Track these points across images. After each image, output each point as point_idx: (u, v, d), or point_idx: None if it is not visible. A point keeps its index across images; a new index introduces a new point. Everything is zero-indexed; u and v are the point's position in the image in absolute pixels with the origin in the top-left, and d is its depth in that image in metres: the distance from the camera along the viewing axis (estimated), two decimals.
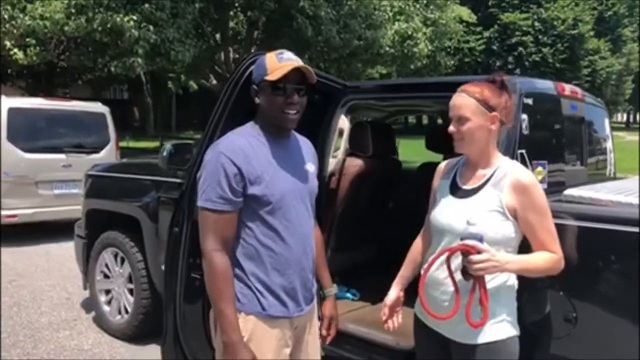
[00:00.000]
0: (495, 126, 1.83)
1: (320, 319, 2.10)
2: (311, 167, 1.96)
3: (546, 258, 1.77)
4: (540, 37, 28.42)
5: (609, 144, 3.37)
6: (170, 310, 2.50)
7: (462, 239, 1.68)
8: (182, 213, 2.41)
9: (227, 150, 1.76)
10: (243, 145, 1.78)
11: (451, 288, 1.78)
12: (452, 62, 21.91)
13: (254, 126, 1.86)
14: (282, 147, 1.87)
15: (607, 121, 3.42)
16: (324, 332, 2.09)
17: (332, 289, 2.14)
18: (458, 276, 1.74)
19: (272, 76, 1.76)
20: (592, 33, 30.10)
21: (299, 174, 1.88)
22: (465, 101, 1.80)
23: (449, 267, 1.75)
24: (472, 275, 1.68)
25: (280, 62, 1.78)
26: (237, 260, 1.82)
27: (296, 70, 1.77)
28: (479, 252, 1.65)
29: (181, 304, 2.48)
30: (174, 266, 2.44)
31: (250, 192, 1.76)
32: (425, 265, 1.86)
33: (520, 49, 28.44)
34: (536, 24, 28.61)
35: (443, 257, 1.77)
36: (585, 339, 2.02)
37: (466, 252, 1.66)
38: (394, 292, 2.06)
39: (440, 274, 1.83)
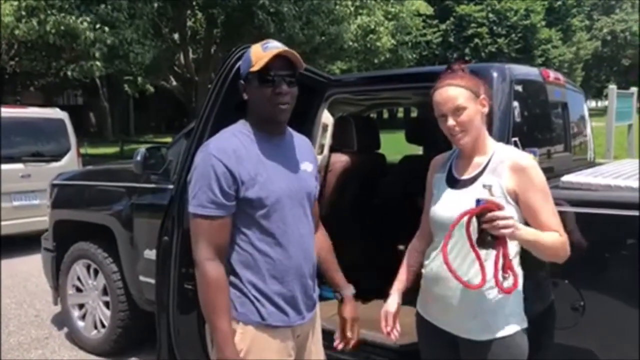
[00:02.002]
0: (486, 109, 1.80)
1: (341, 321, 2.00)
2: (309, 167, 1.84)
3: (554, 237, 1.72)
4: (495, 28, 29.05)
5: (588, 129, 3.39)
6: (164, 323, 2.36)
7: (478, 201, 1.59)
8: (171, 221, 2.26)
9: (217, 151, 1.64)
10: (235, 145, 1.66)
11: (454, 283, 1.71)
12: (414, 55, 22.16)
13: (245, 124, 1.74)
14: (277, 145, 1.76)
15: (585, 106, 3.43)
16: (348, 335, 1.98)
17: (349, 289, 2.02)
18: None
19: (257, 66, 1.65)
20: (543, 23, 30.92)
21: (295, 175, 1.76)
22: (458, 91, 1.74)
23: (468, 233, 1.64)
24: (488, 244, 1.59)
25: (265, 52, 1.67)
26: (232, 268, 1.71)
27: (282, 58, 1.67)
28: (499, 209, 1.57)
29: (175, 316, 2.34)
30: (166, 277, 2.30)
31: (244, 196, 1.64)
32: (440, 246, 1.73)
33: (477, 40, 28.99)
34: (490, 15, 29.21)
35: (463, 221, 1.63)
36: (593, 328, 1.99)
37: (488, 210, 1.56)
38: (395, 299, 1.99)
39: (441, 271, 1.76)
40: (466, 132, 1.75)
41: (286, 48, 1.70)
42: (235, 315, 1.70)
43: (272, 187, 1.68)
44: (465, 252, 1.71)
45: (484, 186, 1.64)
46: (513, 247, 1.72)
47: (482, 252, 1.64)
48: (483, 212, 1.57)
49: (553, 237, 1.71)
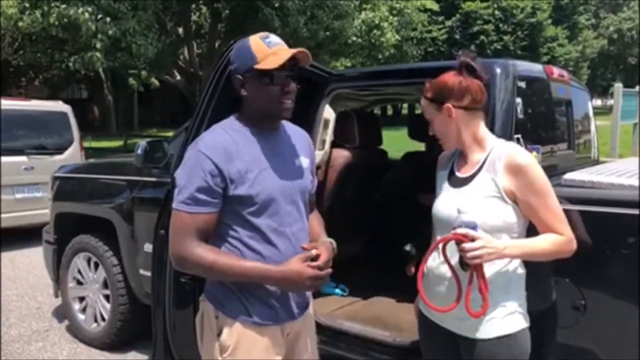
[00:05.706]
0: (455, 114, 1.75)
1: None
2: (304, 162, 1.79)
3: (552, 240, 1.68)
4: (500, 25, 28.92)
5: (592, 127, 3.36)
6: (160, 318, 2.35)
7: (454, 228, 1.62)
8: (168, 214, 2.24)
9: (206, 148, 1.61)
10: (225, 142, 1.63)
11: (455, 282, 1.70)
12: (418, 51, 22.09)
13: (238, 119, 1.71)
14: (271, 141, 1.71)
15: (590, 104, 3.40)
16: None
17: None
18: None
19: (266, 64, 1.60)
20: (549, 21, 30.76)
21: (288, 171, 1.72)
22: (424, 103, 1.84)
23: (445, 258, 1.68)
24: (469, 265, 1.61)
25: (270, 48, 1.63)
26: None
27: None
28: (472, 240, 1.58)
29: (171, 310, 2.32)
30: (162, 271, 2.28)
31: (233, 193, 1.61)
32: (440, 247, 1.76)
33: (482, 37, 28.87)
34: (497, 12, 29.09)
35: (439, 249, 1.69)
36: (594, 327, 1.97)
37: (459, 241, 1.59)
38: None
39: (442, 269, 1.75)
40: (442, 141, 1.84)
41: (288, 48, 1.67)
42: (223, 312, 1.68)
43: (263, 184, 1.65)
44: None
45: (459, 212, 1.63)
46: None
47: (463, 273, 1.66)
48: (456, 240, 1.61)
49: (550, 243, 1.68)
